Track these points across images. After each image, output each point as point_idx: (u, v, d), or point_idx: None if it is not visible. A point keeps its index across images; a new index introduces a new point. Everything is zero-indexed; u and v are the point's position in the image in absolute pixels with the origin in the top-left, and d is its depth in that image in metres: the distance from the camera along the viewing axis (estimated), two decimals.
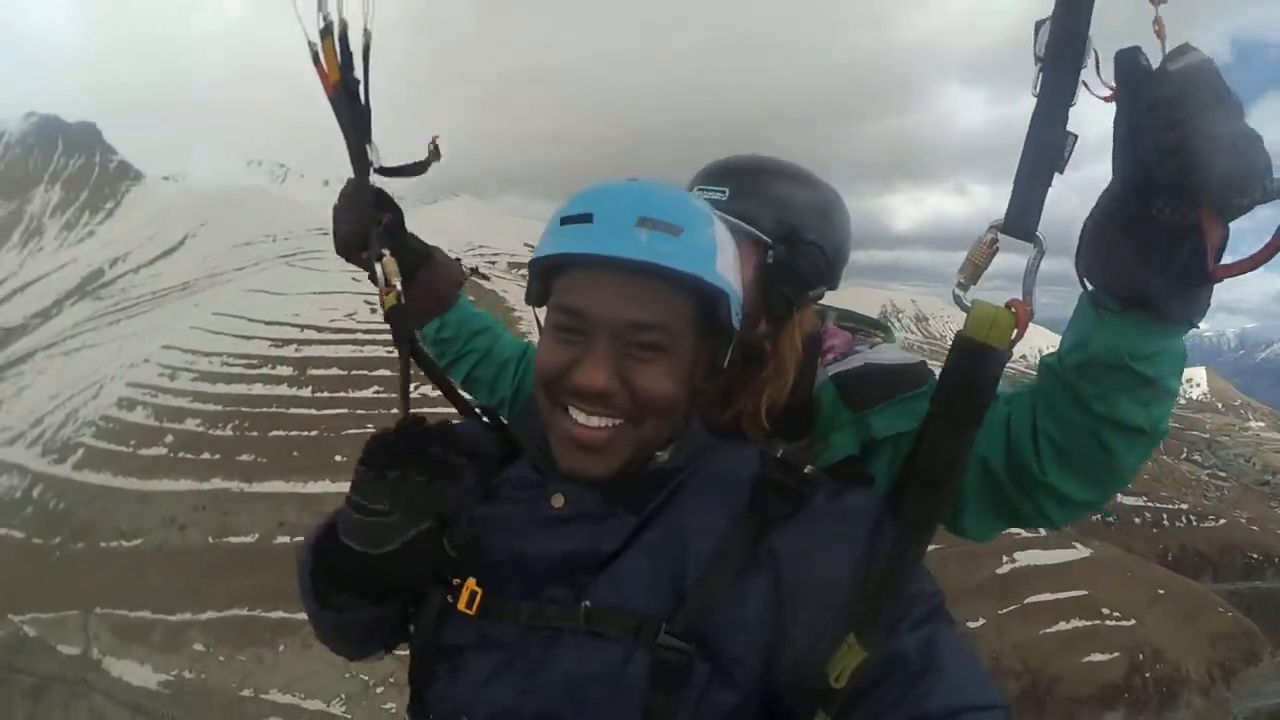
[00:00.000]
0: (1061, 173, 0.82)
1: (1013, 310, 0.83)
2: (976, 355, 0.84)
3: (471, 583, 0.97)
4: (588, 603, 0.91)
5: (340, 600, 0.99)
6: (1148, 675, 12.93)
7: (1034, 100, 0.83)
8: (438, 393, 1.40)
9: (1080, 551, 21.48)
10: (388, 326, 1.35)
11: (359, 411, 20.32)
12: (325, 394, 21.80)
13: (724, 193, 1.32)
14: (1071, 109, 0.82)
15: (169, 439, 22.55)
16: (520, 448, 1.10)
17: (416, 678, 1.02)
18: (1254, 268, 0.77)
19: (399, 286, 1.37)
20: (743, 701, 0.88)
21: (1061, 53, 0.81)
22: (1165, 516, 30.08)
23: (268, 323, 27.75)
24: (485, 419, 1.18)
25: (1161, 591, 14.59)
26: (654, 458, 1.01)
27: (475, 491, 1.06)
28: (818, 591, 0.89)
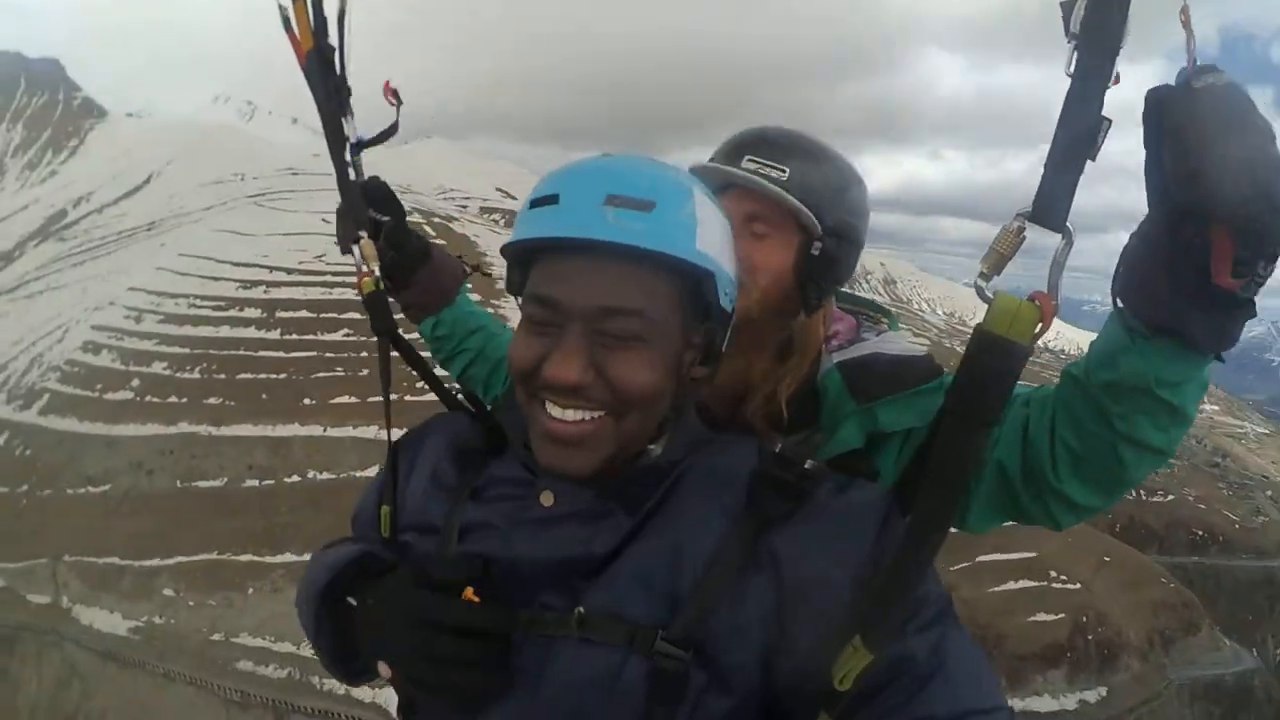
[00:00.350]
0: (1094, 160, 0.79)
1: (1037, 304, 0.80)
2: (997, 350, 0.81)
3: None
4: (581, 609, 0.89)
5: (362, 663, 1.01)
6: (1090, 638, 13.22)
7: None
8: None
9: None
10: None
11: (328, 354, 19.73)
12: (294, 336, 21.23)
13: (784, 171, 1.27)
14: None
15: (135, 383, 22.18)
16: (507, 440, 1.07)
17: (409, 698, 1.02)
18: None
19: (378, 271, 1.29)
20: (741, 705, 0.87)
21: (1099, 31, 0.77)
22: None
23: (236, 264, 27.08)
24: (471, 410, 1.14)
25: (1108, 559, 14.91)
26: (645, 451, 0.97)
27: (462, 492, 1.04)
28: (820, 592, 0.87)
